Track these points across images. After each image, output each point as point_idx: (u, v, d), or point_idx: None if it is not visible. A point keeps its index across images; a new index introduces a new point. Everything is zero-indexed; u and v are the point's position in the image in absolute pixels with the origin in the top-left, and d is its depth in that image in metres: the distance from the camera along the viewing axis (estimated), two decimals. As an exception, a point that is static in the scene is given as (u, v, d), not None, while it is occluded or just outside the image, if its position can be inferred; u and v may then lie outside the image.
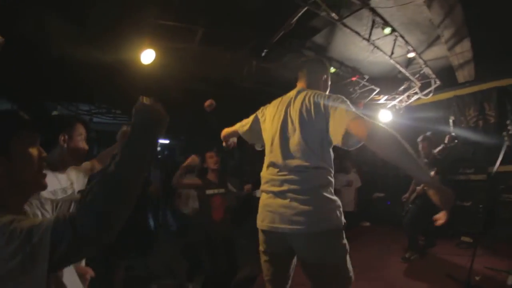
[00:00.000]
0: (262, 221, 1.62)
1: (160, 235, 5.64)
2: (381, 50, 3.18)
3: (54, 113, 4.35)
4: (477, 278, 3.51)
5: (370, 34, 3.01)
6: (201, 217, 3.08)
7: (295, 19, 2.55)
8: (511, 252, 3.36)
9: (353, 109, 1.49)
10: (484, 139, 4.90)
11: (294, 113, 1.63)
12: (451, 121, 4.83)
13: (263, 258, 1.70)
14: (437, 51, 4.25)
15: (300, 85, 1.79)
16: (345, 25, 2.76)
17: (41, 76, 3.46)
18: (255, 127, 1.89)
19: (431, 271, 3.88)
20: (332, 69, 3.45)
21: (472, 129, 5.13)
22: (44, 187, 0.95)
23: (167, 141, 10.28)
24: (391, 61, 3.32)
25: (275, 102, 1.82)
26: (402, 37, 3.03)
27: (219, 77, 3.52)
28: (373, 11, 2.72)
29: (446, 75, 4.82)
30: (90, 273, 1.64)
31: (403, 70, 3.76)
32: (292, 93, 1.74)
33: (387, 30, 2.89)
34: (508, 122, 4.54)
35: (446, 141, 4.46)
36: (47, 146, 1.26)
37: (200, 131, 7.12)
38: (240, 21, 2.87)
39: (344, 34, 3.10)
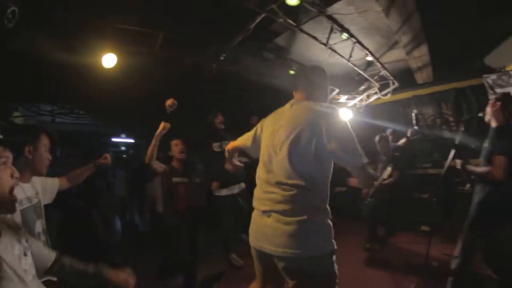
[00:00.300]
0: (252, 240, 1.64)
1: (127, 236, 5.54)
2: (338, 54, 3.34)
3: (16, 114, 4.23)
4: (435, 264, 3.76)
5: (328, 38, 3.16)
6: (163, 207, 3.08)
7: (253, 25, 2.65)
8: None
9: (358, 147, 1.57)
10: (441, 136, 5.24)
11: (289, 128, 1.54)
12: (413, 115, 5.12)
13: (256, 267, 1.73)
14: (397, 54, 4.47)
15: (298, 96, 1.71)
16: (303, 31, 2.89)
17: (1, 75, 3.39)
18: (257, 142, 1.78)
19: (391, 259, 4.10)
20: (291, 71, 3.58)
21: (430, 127, 5.46)
22: (13, 211, 0.98)
23: (131, 141, 10.11)
24: (350, 64, 3.49)
25: (273, 114, 1.76)
26: (359, 42, 3.19)
27: (180, 79, 3.58)
28: (330, 18, 2.86)
29: (406, 76, 5.08)
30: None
31: (361, 72, 3.96)
32: (288, 105, 1.67)
33: (344, 35, 3.04)
34: (462, 119, 4.91)
35: (408, 134, 4.73)
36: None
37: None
38: (201, 26, 2.95)
39: (304, 36, 3.22)
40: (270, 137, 1.62)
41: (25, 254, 1.09)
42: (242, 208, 3.69)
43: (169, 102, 2.96)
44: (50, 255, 1.24)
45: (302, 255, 1.42)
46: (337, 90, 4.60)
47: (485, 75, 4.69)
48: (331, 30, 3.07)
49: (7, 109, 4.86)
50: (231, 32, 2.92)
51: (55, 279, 1.35)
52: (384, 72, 4.16)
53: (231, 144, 2.01)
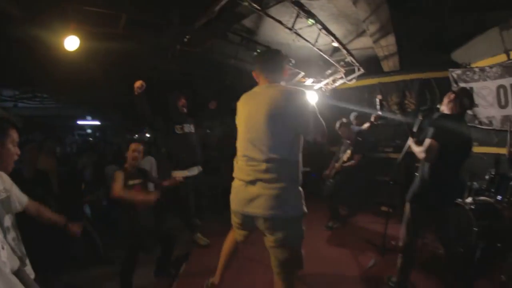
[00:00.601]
0: (237, 206, 1.89)
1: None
2: (303, 39, 3.36)
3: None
4: (393, 243, 3.96)
5: (294, 23, 3.16)
6: (124, 209, 3.02)
7: (217, 7, 2.61)
8: None
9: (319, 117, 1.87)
10: (403, 123, 5.47)
11: (265, 108, 1.76)
12: (378, 100, 5.30)
13: (239, 231, 2.10)
14: (365, 41, 4.55)
15: (263, 80, 1.92)
16: (267, 15, 2.88)
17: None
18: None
19: (352, 237, 4.32)
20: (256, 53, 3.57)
21: (394, 113, 5.69)
22: None
23: (97, 123, 9.82)
24: (315, 48, 3.52)
25: (244, 97, 1.98)
26: (325, 28, 3.23)
27: (144, 60, 3.49)
28: (296, 3, 2.86)
29: (373, 64, 5.22)
30: None
31: (327, 57, 4.01)
32: (258, 89, 1.90)
33: (310, 21, 3.05)
34: (421, 108, 5.12)
35: (372, 119, 4.90)
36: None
37: (131, 112, 7.03)
38: (165, 7, 2.87)
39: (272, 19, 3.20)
40: (249, 118, 1.84)
41: (3, 248, 1.09)
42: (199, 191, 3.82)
43: (137, 84, 2.96)
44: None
45: (285, 215, 1.75)
46: (302, 73, 4.64)
47: (450, 69, 4.90)
48: (297, 15, 3.08)
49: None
50: (197, 14, 2.85)
51: None
52: (350, 58, 4.25)
53: None
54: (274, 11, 3.09)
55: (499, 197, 3.50)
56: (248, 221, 1.89)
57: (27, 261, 1.66)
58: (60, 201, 4.27)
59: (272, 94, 1.80)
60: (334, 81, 5.30)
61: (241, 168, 1.86)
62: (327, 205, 4.73)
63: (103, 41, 3.22)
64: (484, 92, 4.59)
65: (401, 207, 4.95)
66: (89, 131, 11.12)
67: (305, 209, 1.86)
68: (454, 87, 4.83)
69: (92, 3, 2.77)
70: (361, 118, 5.26)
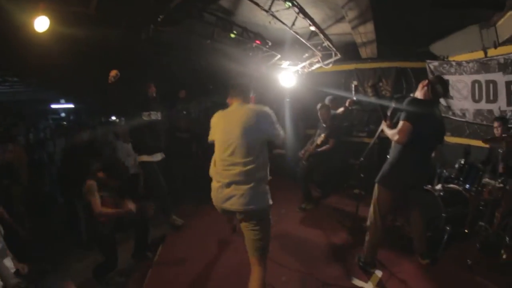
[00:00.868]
0: (217, 203, 2.33)
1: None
2: (280, 21, 3.33)
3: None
4: (364, 224, 4.18)
5: (271, 5, 3.13)
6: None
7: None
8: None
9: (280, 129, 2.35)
10: (378, 108, 5.59)
11: (242, 124, 2.16)
12: (353, 86, 5.38)
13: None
14: (344, 27, 4.55)
15: (236, 101, 2.36)
16: (244, -5, 2.82)
17: None
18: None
19: (324, 218, 4.46)
20: (232, 35, 3.53)
21: (369, 99, 5.79)
22: None
23: (71, 106, 9.47)
24: (292, 31, 3.51)
25: (219, 114, 2.39)
26: (302, 12, 3.21)
27: (117, 41, 3.37)
28: (274, -15, 2.81)
29: (350, 50, 5.27)
30: None
31: (304, 41, 4.01)
32: (238, 107, 2.30)
33: (287, 4, 3.02)
34: (395, 96, 5.26)
35: (347, 104, 5.00)
36: None
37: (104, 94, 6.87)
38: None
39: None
40: (226, 131, 2.22)
41: None
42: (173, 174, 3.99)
43: (112, 73, 2.94)
44: None
45: (254, 209, 2.18)
46: (278, 56, 4.64)
47: (428, 61, 5.03)
48: (275, -3, 3.04)
49: None
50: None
51: None
52: (327, 43, 4.27)
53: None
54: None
55: (467, 186, 3.67)
56: (227, 212, 2.33)
57: (8, 253, 1.63)
58: (29, 192, 4.24)
59: (245, 112, 2.22)
60: (310, 64, 5.31)
61: (219, 173, 2.27)
62: (300, 187, 4.85)
63: (74, 21, 3.10)
64: (459, 85, 4.75)
65: (372, 189, 5.21)
66: (63, 114, 10.71)
67: (270, 201, 2.29)
68: (431, 77, 4.96)
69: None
70: (336, 102, 5.34)
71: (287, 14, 3.44)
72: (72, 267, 3.32)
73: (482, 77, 4.38)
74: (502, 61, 3.94)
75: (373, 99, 5.58)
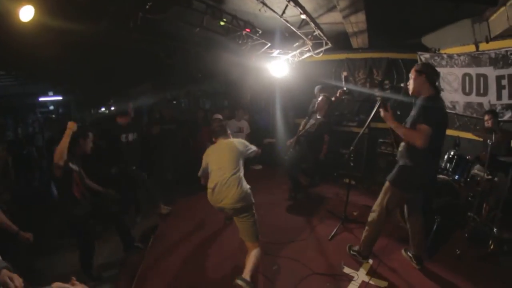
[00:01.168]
0: (214, 203, 2.99)
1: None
2: (271, 9, 3.28)
3: None
4: (355, 213, 4.18)
5: (262, -8, 3.07)
6: (62, 193, 2.98)
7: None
8: None
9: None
10: (368, 99, 5.62)
11: (227, 151, 3.09)
12: (343, 76, 5.36)
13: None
14: (335, 16, 4.49)
15: (222, 138, 3.25)
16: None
17: None
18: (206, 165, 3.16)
19: (314, 207, 4.48)
20: (222, 23, 3.48)
21: (360, 89, 5.82)
22: None
23: (60, 98, 9.24)
24: (282, 20, 3.47)
25: (211, 149, 3.21)
26: (293, 0, 3.16)
27: (104, 29, 3.29)
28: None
29: (342, 39, 5.23)
30: None
31: (294, 29, 3.97)
32: (223, 143, 3.19)
33: (279, -9, 2.97)
34: (385, 83, 5.27)
35: (338, 94, 5.00)
36: None
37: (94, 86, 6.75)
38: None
39: (241, -13, 3.09)
40: (218, 159, 3.06)
41: None
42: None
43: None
44: None
45: (243, 205, 2.87)
46: (268, 44, 4.60)
47: (419, 52, 5.03)
48: (266, -16, 2.98)
49: None
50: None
51: None
52: (318, 32, 4.23)
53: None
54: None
55: (456, 177, 3.69)
56: (221, 208, 2.99)
57: None
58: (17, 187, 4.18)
59: (228, 143, 3.19)
60: (301, 53, 5.27)
61: (216, 191, 2.94)
62: (288, 176, 4.86)
63: (60, 10, 2.97)
64: (450, 78, 4.77)
65: (363, 179, 5.25)
66: (51, 107, 10.49)
67: (253, 200, 2.98)
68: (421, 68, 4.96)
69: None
70: (325, 91, 5.34)
71: (278, 2, 3.39)
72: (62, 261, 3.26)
73: (473, 71, 4.40)
74: (493, 55, 3.96)
75: (365, 90, 5.69)
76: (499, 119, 4.01)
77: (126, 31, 3.23)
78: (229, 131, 3.37)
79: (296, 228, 3.85)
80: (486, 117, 3.90)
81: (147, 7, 2.97)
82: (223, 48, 4.83)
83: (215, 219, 4.05)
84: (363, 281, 2.77)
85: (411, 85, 2.64)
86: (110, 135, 4.06)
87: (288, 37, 4.65)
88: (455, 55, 4.60)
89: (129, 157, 4.12)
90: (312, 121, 4.81)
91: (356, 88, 5.79)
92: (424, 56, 4.95)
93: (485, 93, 4.29)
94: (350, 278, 2.81)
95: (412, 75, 2.63)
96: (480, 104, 4.44)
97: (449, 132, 4.89)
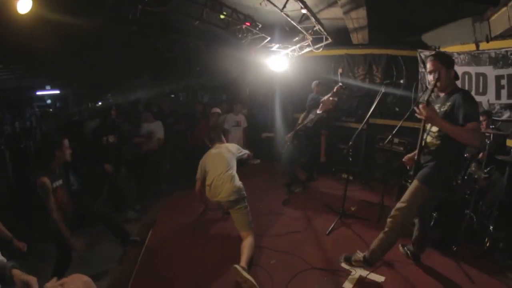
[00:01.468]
0: (212, 198, 3.43)
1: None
2: (271, 3, 3.26)
3: None
4: (352, 208, 4.21)
5: (263, -13, 3.04)
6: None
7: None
8: (381, 189, 4.13)
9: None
10: (368, 95, 5.62)
11: (221, 153, 3.57)
12: (339, 73, 5.34)
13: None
14: (336, 11, 4.47)
15: (218, 144, 3.81)
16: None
17: None
18: (204, 170, 3.56)
19: (312, 202, 4.50)
20: (221, 16, 3.45)
21: (359, 85, 5.82)
22: None
23: (57, 92, 9.15)
24: (283, 14, 3.44)
25: (208, 153, 3.66)
26: (293, -6, 3.15)
27: (103, 21, 3.25)
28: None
29: (342, 35, 5.21)
30: None
31: (295, 24, 3.95)
32: (218, 147, 3.71)
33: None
34: (384, 82, 5.27)
35: (334, 90, 5.02)
36: None
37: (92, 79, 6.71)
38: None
39: (241, -20, 3.06)
40: (214, 161, 3.52)
41: None
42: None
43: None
44: None
45: (237, 198, 3.26)
46: (268, 38, 4.57)
47: (420, 50, 5.01)
48: (267, -22, 2.95)
49: None
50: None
51: None
52: (318, 27, 4.21)
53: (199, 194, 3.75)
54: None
55: None
56: (218, 202, 3.40)
57: None
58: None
59: (224, 148, 3.71)
60: (301, 48, 5.25)
61: (213, 192, 3.39)
62: (286, 170, 4.91)
63: (58, 2, 2.96)
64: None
65: (361, 175, 5.27)
66: (49, 101, 10.39)
67: (245, 193, 3.34)
68: (421, 66, 4.96)
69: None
70: (322, 86, 5.36)
71: (280, -4, 3.36)
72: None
73: (472, 69, 4.39)
74: (493, 55, 3.95)
75: (365, 85, 5.70)
76: (498, 119, 4.01)
77: (125, 24, 3.19)
78: (226, 128, 3.84)
79: (294, 222, 3.87)
80: (481, 118, 3.92)
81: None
82: (223, 42, 4.81)
83: (212, 212, 4.08)
84: (360, 276, 2.78)
85: (442, 82, 2.36)
86: (91, 137, 4.20)
87: (288, 31, 4.63)
88: (455, 53, 4.59)
89: (110, 158, 4.21)
90: (311, 116, 4.81)
91: (355, 83, 5.79)
92: (424, 54, 4.95)
93: (484, 92, 4.29)
94: (347, 273, 2.82)
95: (436, 69, 2.38)
96: (479, 103, 4.44)
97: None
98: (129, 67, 6.56)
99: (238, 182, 3.36)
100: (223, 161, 3.48)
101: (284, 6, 3.39)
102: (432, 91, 2.24)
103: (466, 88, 4.56)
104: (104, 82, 8.15)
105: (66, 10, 3.14)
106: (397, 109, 5.29)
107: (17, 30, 3.23)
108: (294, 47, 5.18)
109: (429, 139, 2.48)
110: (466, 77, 4.52)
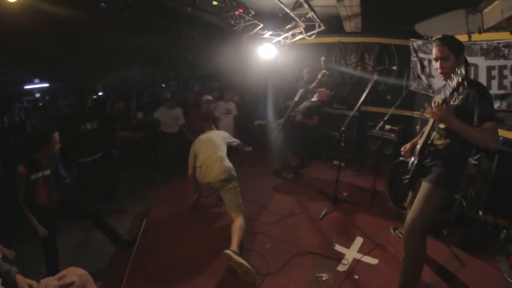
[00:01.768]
0: (203, 180, 3.41)
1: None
2: (265, -11, 3.22)
3: None
4: (345, 193, 4.29)
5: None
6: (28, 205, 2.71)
7: None
8: (373, 175, 4.17)
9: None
10: (360, 83, 5.65)
11: (212, 138, 3.64)
12: (322, 60, 5.36)
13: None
14: (329, -1, 4.49)
15: (207, 130, 3.89)
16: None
17: None
18: (195, 153, 3.58)
19: (305, 187, 4.55)
20: (214, 2, 3.41)
21: (351, 72, 5.82)
22: None
23: (46, 85, 8.85)
24: (276, 1, 3.41)
25: (199, 139, 3.69)
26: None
27: (94, 9, 3.16)
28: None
29: (334, 23, 5.18)
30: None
31: (288, 10, 3.92)
32: (208, 133, 3.79)
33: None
34: (377, 68, 5.29)
35: (319, 77, 5.03)
36: None
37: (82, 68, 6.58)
38: None
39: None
40: (204, 144, 3.56)
41: None
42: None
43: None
44: None
45: (226, 177, 3.26)
46: (261, 25, 4.54)
47: (412, 39, 5.02)
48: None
49: None
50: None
51: None
52: (311, 14, 4.18)
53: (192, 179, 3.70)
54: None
55: None
56: (209, 183, 3.39)
57: None
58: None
59: (214, 133, 3.82)
60: (293, 35, 5.22)
61: (203, 172, 3.39)
62: (278, 156, 4.94)
63: None
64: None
65: (353, 161, 5.33)
66: (37, 95, 10.10)
67: (235, 174, 3.36)
68: (413, 55, 4.98)
69: None
70: (313, 73, 5.39)
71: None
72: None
73: (463, 60, 4.43)
74: (485, 46, 3.98)
75: (357, 72, 5.72)
76: None
77: (117, 11, 3.12)
78: (217, 115, 4.02)
79: (287, 208, 3.92)
80: None
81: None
82: (215, 29, 4.74)
83: (206, 199, 4.13)
84: (354, 259, 2.86)
85: (447, 70, 2.11)
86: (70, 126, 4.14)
87: (281, 18, 4.59)
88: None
89: (89, 145, 4.18)
90: (306, 103, 4.83)
91: (347, 71, 5.81)
92: (416, 43, 4.97)
93: (475, 82, 4.34)
94: (341, 256, 2.90)
95: (443, 55, 2.12)
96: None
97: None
98: (120, 56, 6.42)
99: (228, 163, 3.38)
100: (213, 144, 3.53)
101: (279, -7, 3.36)
102: (456, 90, 1.86)
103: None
104: (94, 73, 7.98)
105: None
106: (388, 97, 5.32)
107: (5, 17, 3.11)
108: (286, 34, 5.14)
109: (436, 136, 2.24)
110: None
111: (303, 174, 5.14)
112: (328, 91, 4.91)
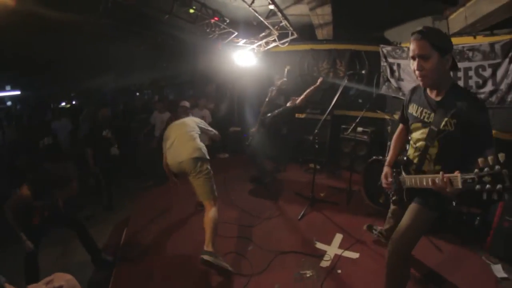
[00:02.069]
0: (173, 162, 3.20)
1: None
2: (240, -1, 3.33)
3: None
4: (322, 194, 4.42)
5: (232, -18, 3.09)
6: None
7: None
8: (348, 176, 4.35)
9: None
10: (332, 88, 5.87)
11: (185, 121, 3.52)
12: (286, 70, 5.57)
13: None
14: (302, 8, 4.62)
15: (182, 117, 3.76)
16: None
17: None
18: (166, 139, 3.39)
19: (282, 191, 4.66)
20: (191, 10, 3.47)
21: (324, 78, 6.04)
22: None
23: (18, 93, 8.38)
24: (251, 9, 3.53)
25: (171, 125, 3.50)
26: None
27: (73, 14, 3.11)
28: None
29: (307, 30, 5.39)
30: None
31: (262, 19, 4.05)
32: (182, 120, 3.57)
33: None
34: (347, 73, 5.53)
35: (278, 83, 5.18)
36: None
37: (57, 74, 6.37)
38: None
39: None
40: (177, 132, 3.32)
41: None
42: None
43: None
44: None
45: (199, 155, 3.13)
46: (235, 33, 4.66)
47: (382, 45, 5.29)
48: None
49: None
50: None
51: None
52: (285, 22, 4.34)
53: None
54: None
55: None
56: (180, 167, 3.17)
57: None
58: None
59: (187, 120, 3.56)
60: (267, 43, 5.37)
61: (173, 152, 3.23)
62: (254, 162, 5.00)
63: None
64: (410, 69, 5.00)
65: (327, 164, 5.51)
66: (9, 103, 9.46)
67: (208, 156, 3.22)
68: (383, 61, 5.25)
69: None
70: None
71: (247, -9, 3.42)
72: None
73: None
74: None
75: (329, 78, 5.95)
76: None
77: (95, 17, 3.09)
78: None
79: (266, 211, 3.99)
80: None
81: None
82: (190, 37, 4.78)
83: (184, 207, 4.14)
84: (336, 254, 2.97)
85: (427, 72, 1.65)
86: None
87: (255, 26, 4.72)
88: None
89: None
90: (280, 110, 4.92)
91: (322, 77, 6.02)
92: (386, 49, 5.24)
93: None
94: (323, 253, 3.00)
95: (423, 53, 1.65)
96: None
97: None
98: (94, 63, 6.26)
99: (201, 143, 3.24)
100: (185, 125, 3.39)
101: (253, 1, 3.47)
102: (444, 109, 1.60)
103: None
104: (68, 81, 7.69)
105: (34, 5, 2.94)
106: (360, 100, 5.57)
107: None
108: (260, 42, 5.28)
109: (426, 162, 1.83)
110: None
111: (280, 178, 5.24)
112: (297, 98, 5.01)
